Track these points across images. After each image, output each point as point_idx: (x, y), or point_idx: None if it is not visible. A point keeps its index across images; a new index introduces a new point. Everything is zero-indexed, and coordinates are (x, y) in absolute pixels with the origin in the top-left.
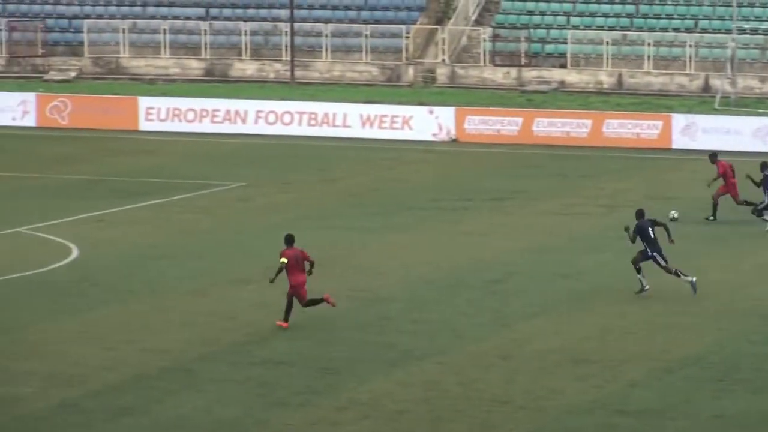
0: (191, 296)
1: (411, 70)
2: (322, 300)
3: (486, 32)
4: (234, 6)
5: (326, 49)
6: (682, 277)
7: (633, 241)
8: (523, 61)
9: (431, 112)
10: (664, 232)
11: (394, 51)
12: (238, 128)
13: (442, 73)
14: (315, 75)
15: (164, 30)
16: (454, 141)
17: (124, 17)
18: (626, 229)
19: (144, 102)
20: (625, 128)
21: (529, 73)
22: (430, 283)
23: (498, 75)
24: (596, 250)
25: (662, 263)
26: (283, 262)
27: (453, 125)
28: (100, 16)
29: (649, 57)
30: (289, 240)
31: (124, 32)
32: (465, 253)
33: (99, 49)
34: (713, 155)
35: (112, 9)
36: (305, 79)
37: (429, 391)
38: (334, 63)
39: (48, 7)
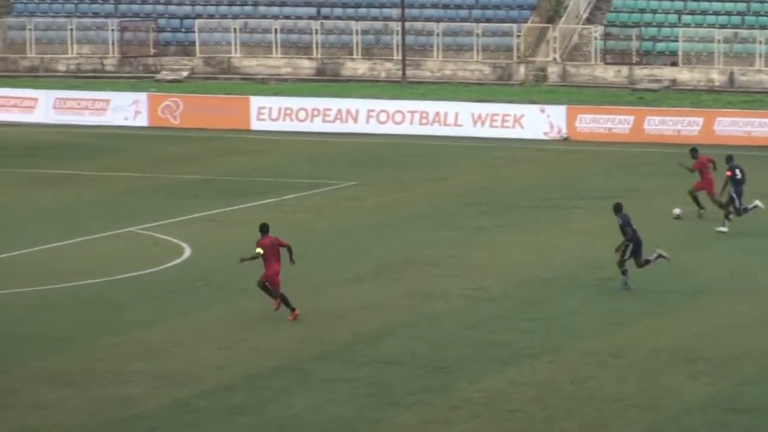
0: (302, 295)
1: (522, 69)
2: (291, 307)
3: (597, 30)
4: (345, 5)
5: (437, 48)
6: (653, 261)
7: (629, 236)
8: (635, 59)
9: (542, 111)
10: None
11: (505, 50)
12: (350, 127)
13: (553, 72)
14: (426, 74)
15: (275, 29)
16: (566, 139)
17: (235, 17)
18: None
19: (255, 101)
20: (736, 126)
21: (641, 72)
22: (542, 282)
23: (609, 73)
24: (708, 248)
25: (627, 255)
26: (259, 253)
27: (564, 124)
28: (211, 16)
29: (760, 55)
30: (264, 229)
31: (235, 32)
32: (577, 252)
33: (210, 49)
34: (694, 150)
35: (224, 9)
36: (416, 78)
37: (541, 390)
38: (445, 62)
39: (160, 7)
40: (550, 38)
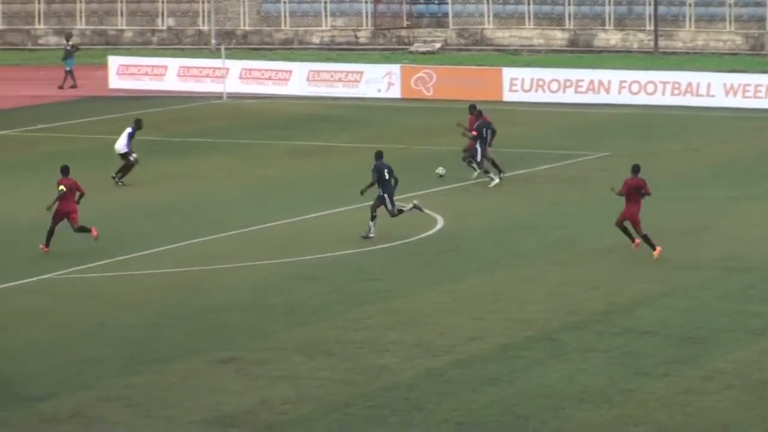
0: (555, 266)
1: None
2: (89, 229)
3: None
4: None
5: (690, 19)
6: (405, 211)
7: (373, 182)
8: None
9: None
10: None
11: (758, 20)
12: (602, 98)
13: None
14: (678, 44)
15: (528, 1)
16: None
17: None
18: (363, 192)
19: (508, 73)
20: None
21: None
22: None
23: None
24: None
25: (389, 206)
26: (62, 190)
27: None
28: None
29: None
30: (65, 170)
31: (488, 3)
32: None
33: (463, 21)
34: (473, 107)
35: None
36: (669, 48)
37: None
38: (697, 32)
39: None
40: None
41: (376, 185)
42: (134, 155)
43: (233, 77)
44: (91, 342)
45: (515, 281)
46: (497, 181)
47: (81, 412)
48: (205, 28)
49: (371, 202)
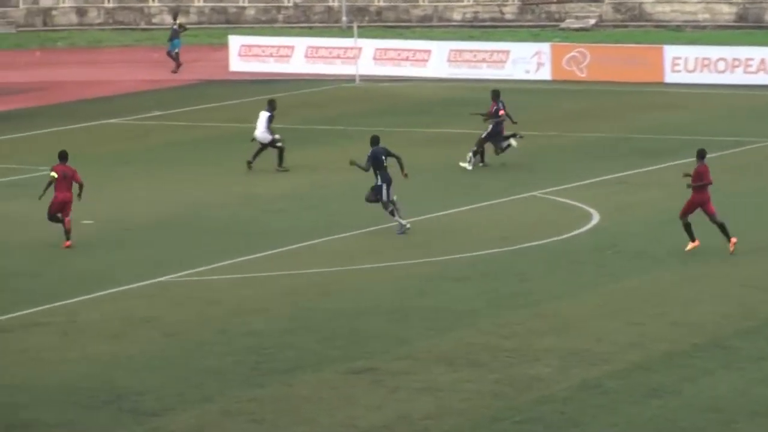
0: (724, 264)
1: None
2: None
3: None
4: None
5: None
6: (396, 216)
7: (367, 169)
8: None
9: None
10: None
11: None
12: None
13: None
14: None
15: None
16: None
17: None
18: (352, 163)
19: (670, 51)
20: None
21: None
22: None
23: None
24: None
25: (384, 197)
26: (53, 176)
27: None
28: None
29: None
30: (63, 156)
31: None
32: None
33: None
34: (495, 92)
35: None
36: None
37: None
38: None
39: None
40: None
41: (375, 173)
42: (278, 137)
43: (366, 58)
44: (212, 351)
45: (680, 281)
46: (469, 167)
47: (201, 428)
48: (335, 4)
49: (367, 193)
